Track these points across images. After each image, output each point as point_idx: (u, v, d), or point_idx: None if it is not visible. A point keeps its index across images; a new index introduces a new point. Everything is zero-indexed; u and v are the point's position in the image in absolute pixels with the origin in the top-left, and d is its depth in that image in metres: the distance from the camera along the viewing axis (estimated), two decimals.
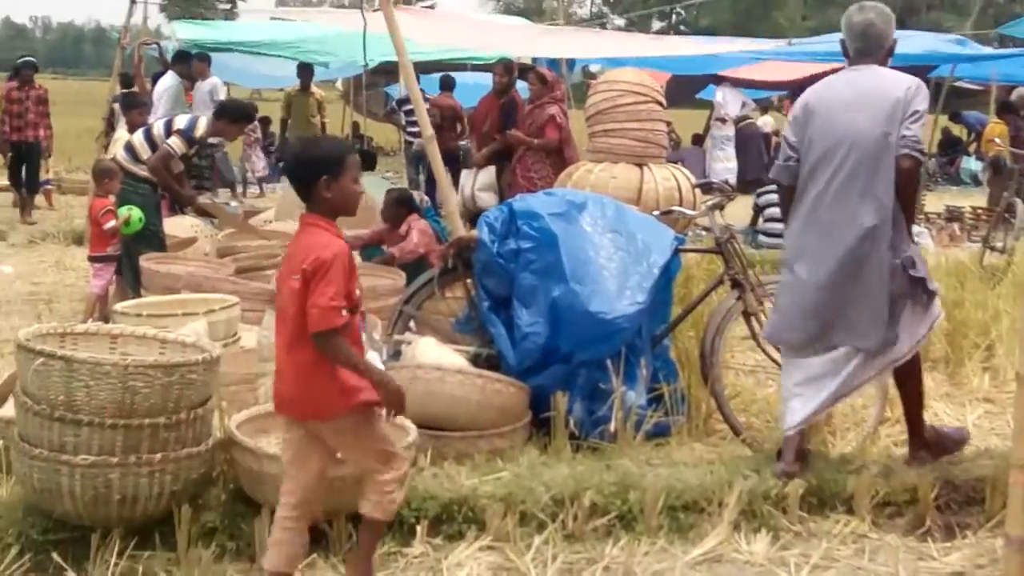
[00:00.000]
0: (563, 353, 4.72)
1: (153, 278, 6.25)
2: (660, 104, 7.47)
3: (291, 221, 8.12)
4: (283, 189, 12.99)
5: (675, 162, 8.57)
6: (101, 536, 3.51)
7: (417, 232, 7.03)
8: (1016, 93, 14.41)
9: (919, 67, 11.83)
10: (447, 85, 12.69)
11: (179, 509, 3.50)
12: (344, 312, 3.11)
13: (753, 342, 5.10)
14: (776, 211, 10.95)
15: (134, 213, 6.60)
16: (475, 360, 4.89)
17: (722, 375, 4.95)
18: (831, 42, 12.92)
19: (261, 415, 4.03)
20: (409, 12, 11.22)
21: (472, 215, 8.49)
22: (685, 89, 18.87)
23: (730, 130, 15.63)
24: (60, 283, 8.63)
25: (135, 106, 9.14)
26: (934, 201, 13.98)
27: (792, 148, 4.29)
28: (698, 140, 18.02)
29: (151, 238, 6.79)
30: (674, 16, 60.97)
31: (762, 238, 11.08)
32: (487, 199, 8.71)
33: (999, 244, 9.44)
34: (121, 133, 9.28)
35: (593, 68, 15.98)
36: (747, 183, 14.12)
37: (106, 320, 5.75)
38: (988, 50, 15.70)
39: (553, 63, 11.67)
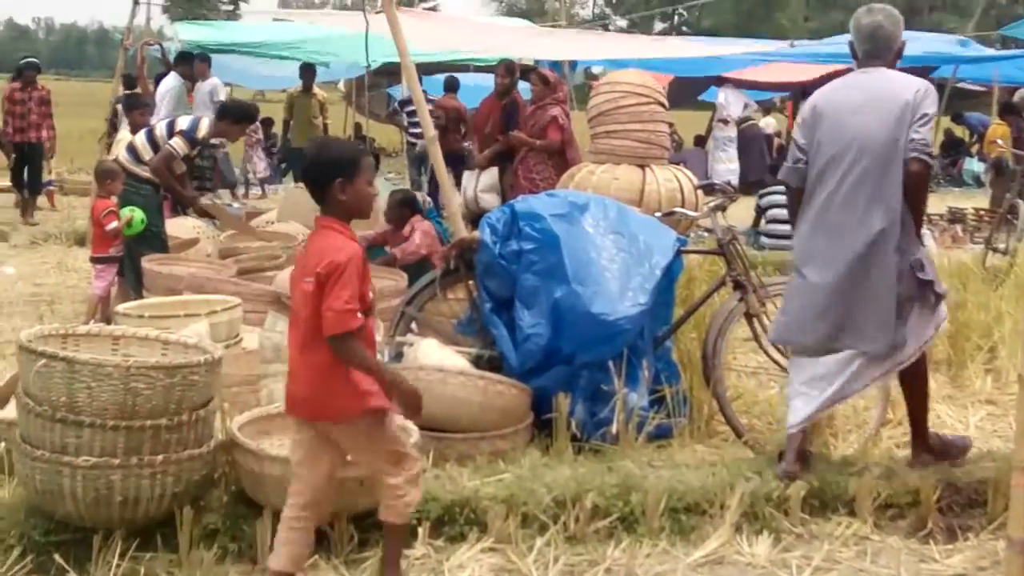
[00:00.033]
0: (565, 354, 4.72)
1: (155, 279, 6.25)
2: (662, 105, 7.46)
3: (293, 222, 8.14)
4: (285, 190, 13.01)
5: (677, 163, 8.56)
6: (103, 538, 3.51)
7: (420, 233, 7.03)
8: (1018, 94, 14.39)
9: (921, 68, 11.84)
10: (451, 86, 12.70)
11: (181, 511, 3.50)
12: (358, 315, 3.13)
13: (755, 344, 5.09)
14: (778, 212, 10.96)
15: (136, 214, 6.61)
16: (477, 362, 4.89)
17: (724, 377, 4.95)
18: (832, 44, 12.97)
19: (263, 417, 4.03)
20: (411, 15, 11.23)
21: (475, 216, 8.48)
22: (687, 90, 18.89)
23: (732, 131, 15.63)
24: (62, 284, 8.63)
25: (137, 107, 9.15)
26: (936, 202, 13.96)
27: (801, 150, 4.28)
28: (700, 141, 18.03)
29: (153, 239, 6.80)
30: (676, 17, 60.99)
31: (764, 239, 11.07)
32: (490, 200, 8.70)
33: (1001, 245, 9.43)
34: (124, 134, 9.30)
35: (595, 69, 15.96)
36: (749, 184, 14.11)
37: (108, 321, 5.76)
38: (990, 51, 15.70)
39: (555, 64, 11.68)
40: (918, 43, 12.37)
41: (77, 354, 3.52)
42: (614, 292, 4.75)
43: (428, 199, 8.52)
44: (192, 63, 10.98)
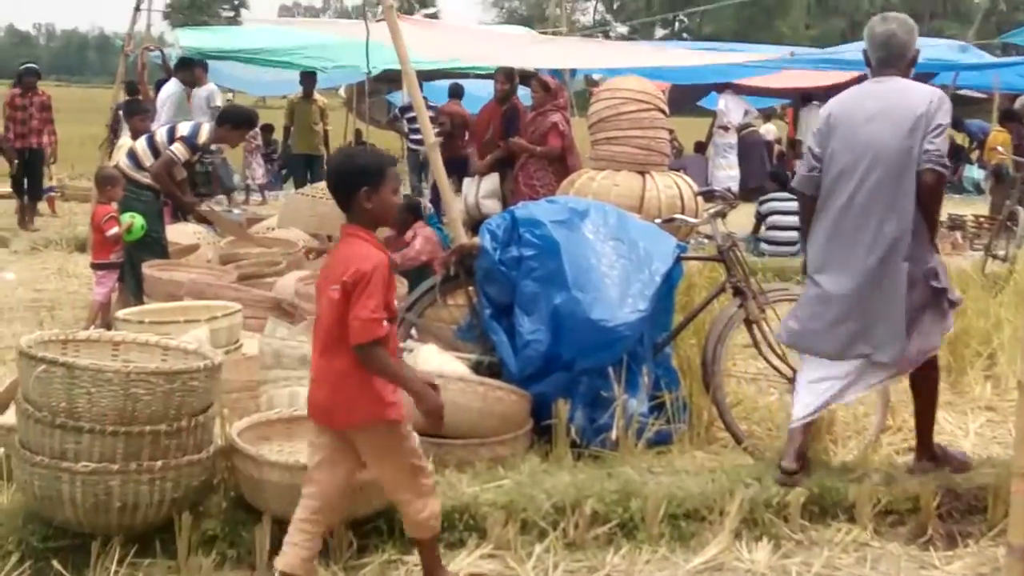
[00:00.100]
0: (565, 361, 4.72)
1: (155, 285, 6.26)
2: (663, 112, 7.48)
3: (294, 228, 8.15)
4: (285, 196, 13.02)
5: (677, 170, 8.57)
6: (101, 543, 3.51)
7: (421, 239, 7.04)
8: (1019, 101, 14.42)
9: (921, 75, 11.83)
10: (456, 93, 12.73)
11: (180, 516, 3.51)
12: (384, 323, 3.15)
13: (755, 350, 5.09)
14: (778, 219, 10.99)
15: (136, 220, 6.62)
16: (477, 368, 4.89)
17: (724, 383, 4.94)
18: (832, 54, 13.00)
19: (262, 423, 4.03)
20: (411, 22, 11.24)
21: (476, 222, 8.48)
22: (687, 97, 18.90)
23: (732, 138, 15.66)
24: (62, 290, 8.63)
25: (137, 113, 9.16)
26: None
27: (816, 158, 4.30)
28: (700, 148, 18.04)
29: (153, 245, 6.81)
30: (677, 24, 61.09)
31: (764, 246, 11.08)
32: (492, 206, 8.71)
33: (1001, 252, 9.45)
34: (125, 140, 9.31)
35: (595, 76, 15.99)
36: (749, 191, 14.14)
37: (108, 327, 5.76)
38: (991, 58, 15.70)
39: (556, 71, 11.68)
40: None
41: (77, 360, 3.52)
42: (614, 298, 4.75)
43: (429, 205, 8.52)
44: (193, 69, 10.99)
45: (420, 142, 10.67)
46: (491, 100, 9.56)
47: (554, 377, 4.71)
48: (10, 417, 3.94)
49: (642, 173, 7.22)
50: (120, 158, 7.34)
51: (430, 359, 4.71)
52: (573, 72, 14.46)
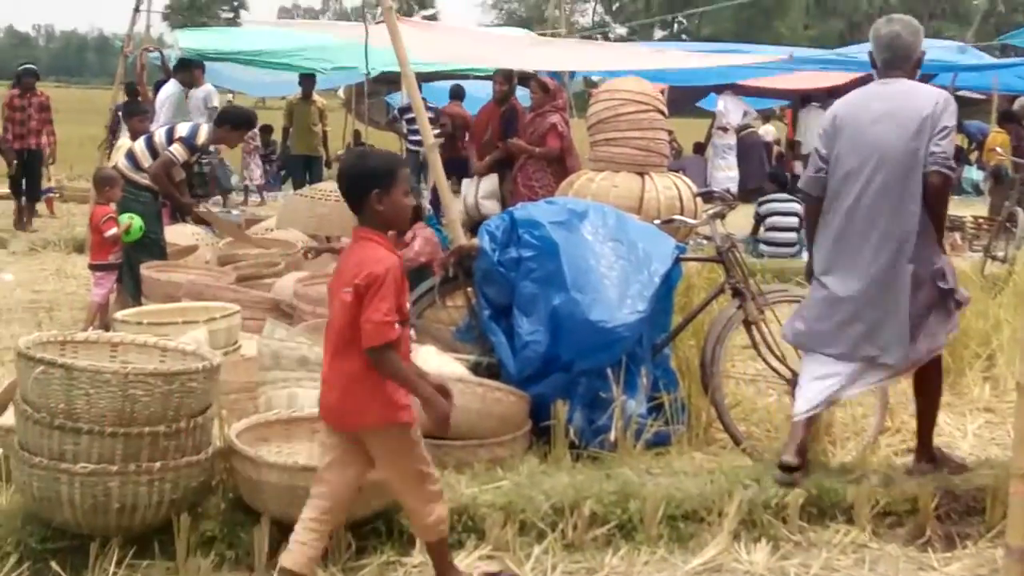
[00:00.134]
0: (563, 362, 4.72)
1: (154, 286, 6.26)
2: (662, 113, 7.47)
3: (292, 229, 8.15)
4: (284, 197, 13.01)
5: (676, 171, 8.56)
6: (100, 545, 3.50)
7: (421, 240, 7.01)
8: (1018, 103, 14.42)
9: (920, 76, 11.83)
10: (457, 94, 12.71)
11: (178, 518, 3.50)
12: (396, 325, 3.15)
13: (754, 351, 5.09)
14: (778, 220, 10.98)
15: (135, 221, 6.62)
16: (475, 369, 4.89)
17: (722, 384, 4.95)
18: (831, 56, 13.00)
19: (261, 424, 4.03)
20: (411, 24, 11.22)
21: (476, 223, 8.48)
22: (686, 98, 18.89)
23: (732, 139, 15.66)
24: (61, 291, 8.63)
25: (136, 114, 9.16)
26: None
27: (822, 160, 4.30)
28: (700, 149, 18.03)
29: (152, 246, 6.81)
30: (676, 25, 61.11)
31: (763, 247, 11.07)
32: (491, 207, 8.71)
33: (1000, 253, 9.44)
34: (124, 141, 9.31)
35: (594, 76, 15.99)
36: (748, 192, 14.14)
37: (107, 328, 5.76)
38: (990, 59, 15.71)
39: (554, 72, 11.67)
40: None
41: (75, 361, 3.52)
42: (613, 299, 4.75)
43: (428, 206, 8.52)
44: (192, 70, 10.99)
45: (419, 143, 10.66)
46: (490, 101, 9.56)
47: (553, 378, 4.71)
48: (9, 418, 3.94)
49: (641, 174, 7.21)
50: (119, 159, 7.34)
51: (428, 360, 4.70)
52: (572, 73, 14.45)
